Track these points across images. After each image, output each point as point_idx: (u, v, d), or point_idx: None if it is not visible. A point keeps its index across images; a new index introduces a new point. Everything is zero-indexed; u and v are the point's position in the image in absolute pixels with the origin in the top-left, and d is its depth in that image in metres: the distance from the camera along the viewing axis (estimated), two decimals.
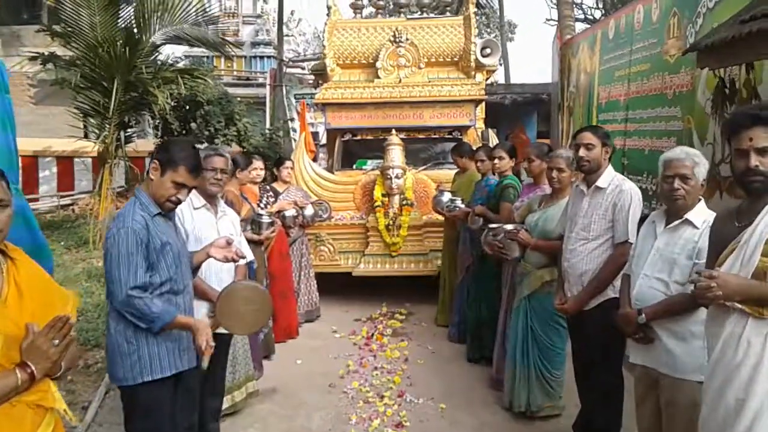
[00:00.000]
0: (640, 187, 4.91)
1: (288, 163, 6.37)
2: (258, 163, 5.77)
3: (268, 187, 6.10)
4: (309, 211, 6.36)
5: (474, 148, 5.95)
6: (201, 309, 3.26)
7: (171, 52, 12.32)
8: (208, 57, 21.05)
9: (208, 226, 3.42)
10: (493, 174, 5.44)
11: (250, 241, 5.18)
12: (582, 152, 3.51)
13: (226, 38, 21.05)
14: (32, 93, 16.73)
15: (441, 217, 6.50)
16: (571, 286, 3.60)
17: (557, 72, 11.54)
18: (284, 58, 15.96)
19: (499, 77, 17.84)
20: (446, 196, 6.13)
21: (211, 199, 3.53)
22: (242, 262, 3.38)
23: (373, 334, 6.13)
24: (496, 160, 5.12)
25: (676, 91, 6.70)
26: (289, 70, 18.72)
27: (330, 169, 8.20)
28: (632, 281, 3.00)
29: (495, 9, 26.71)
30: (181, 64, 12.60)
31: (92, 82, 9.89)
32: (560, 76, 11.13)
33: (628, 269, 3.10)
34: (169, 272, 2.71)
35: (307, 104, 15.34)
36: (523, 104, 15.44)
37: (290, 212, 6.03)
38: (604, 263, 3.45)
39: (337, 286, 7.33)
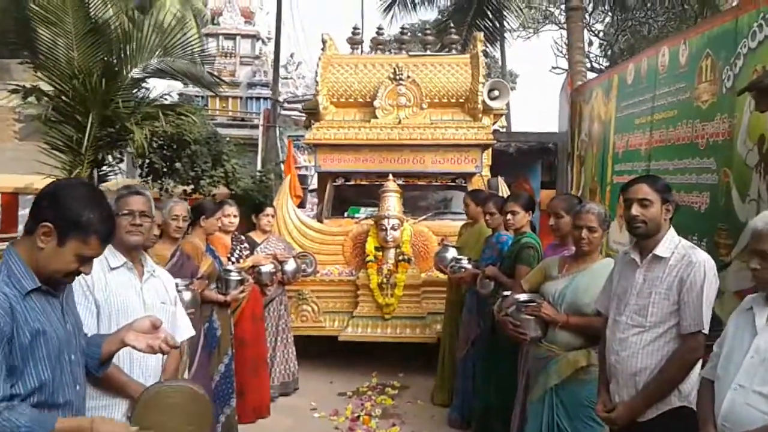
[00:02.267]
0: None
1: (269, 210, 5.53)
2: (231, 209, 4.96)
3: (242, 238, 5.25)
4: (290, 266, 5.52)
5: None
6: (117, 411, 2.35)
7: (166, 89, 11.68)
8: (202, 97, 20.50)
9: (128, 293, 2.49)
10: (507, 229, 4.60)
11: (214, 303, 4.35)
12: (636, 210, 2.67)
13: (221, 77, 20.66)
14: (17, 128, 16.10)
15: (443, 276, 5.65)
16: (619, 388, 2.71)
17: (566, 120, 10.94)
18: (279, 99, 15.35)
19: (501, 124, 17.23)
20: (450, 253, 5.30)
21: (131, 254, 2.62)
22: (179, 343, 2.46)
23: (359, 416, 5.18)
24: (509, 216, 4.29)
25: (710, 140, 5.94)
26: (284, 112, 18.14)
27: (319, 217, 7.45)
28: (717, 391, 2.14)
29: (497, 58, 26.39)
30: (169, 102, 11.88)
31: (65, 116, 9.11)
32: (570, 123, 10.49)
33: (710, 373, 2.23)
34: (41, 377, 1.81)
35: (296, 146, 14.72)
36: (528, 153, 14.78)
37: (267, 267, 5.18)
38: (667, 360, 2.58)
39: (321, 352, 6.49)
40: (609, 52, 17.96)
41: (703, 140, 6.03)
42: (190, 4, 24.52)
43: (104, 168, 10.25)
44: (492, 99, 7.90)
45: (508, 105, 9.22)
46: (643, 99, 7.35)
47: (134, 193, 2.67)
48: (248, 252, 5.17)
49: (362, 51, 8.58)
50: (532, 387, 3.45)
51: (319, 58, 7.52)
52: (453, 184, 7.31)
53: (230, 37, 21.37)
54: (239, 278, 4.55)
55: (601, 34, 18.18)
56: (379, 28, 8.27)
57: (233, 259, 4.98)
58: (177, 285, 3.74)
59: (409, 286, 6.12)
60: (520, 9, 16.92)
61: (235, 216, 5.01)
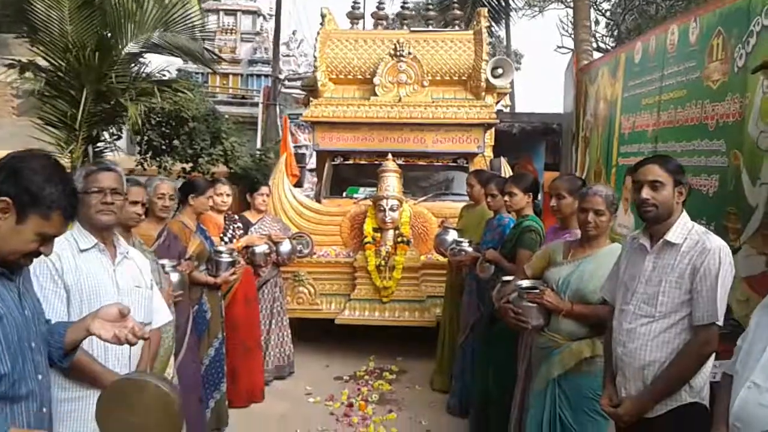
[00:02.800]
0: None
1: (263, 189, 5.35)
2: (223, 188, 4.80)
3: (236, 217, 5.08)
4: (285, 246, 5.35)
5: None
6: (89, 403, 2.18)
7: (165, 65, 11.45)
8: (202, 74, 20.20)
9: (100, 277, 2.31)
10: (508, 212, 4.43)
11: (203, 285, 4.19)
12: (646, 193, 2.49)
13: (221, 54, 20.34)
14: (15, 104, 15.90)
15: (443, 258, 5.49)
16: (626, 381, 2.55)
17: (571, 100, 10.71)
18: (279, 76, 15.08)
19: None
20: (450, 236, 5.14)
21: (103, 234, 2.43)
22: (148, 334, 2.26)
23: (355, 401, 5.04)
24: (507, 197, 4.11)
25: (720, 121, 5.73)
26: (285, 90, 17.86)
27: (317, 197, 7.27)
28: (734, 388, 1.98)
29: (501, 38, 26.00)
30: (166, 77, 11.64)
31: (60, 91, 8.90)
32: (576, 104, 10.26)
33: (731, 368, 2.06)
34: (0, 366, 1.66)
35: (297, 124, 14.45)
36: (532, 134, 14.54)
37: (261, 248, 5.02)
38: (678, 353, 2.41)
39: (317, 336, 6.35)
40: (615, 32, 17.63)
41: (712, 121, 5.82)
42: None
43: (99, 145, 10.07)
44: (495, 77, 7.68)
45: (511, 85, 8.98)
46: (651, 78, 7.12)
47: (104, 170, 2.47)
48: (242, 232, 5.01)
49: (363, 26, 8.34)
50: (533, 377, 3.29)
51: (318, 33, 7.30)
52: (454, 164, 7.14)
53: (231, 13, 21.00)
54: (230, 260, 4.38)
55: (608, 13, 17.84)
56: (380, 3, 8.03)
57: (226, 239, 4.81)
58: (164, 266, 3.61)
59: (407, 268, 5.95)
60: None
61: (228, 195, 4.84)
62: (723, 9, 5.19)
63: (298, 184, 8.00)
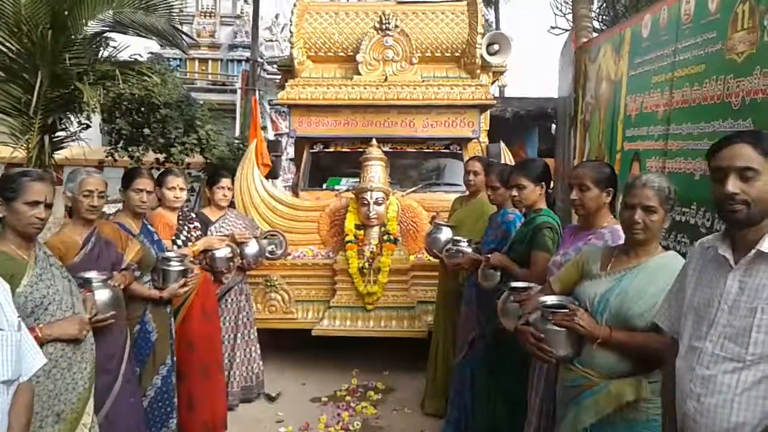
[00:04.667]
0: (690, 223, 3.54)
1: (224, 182, 4.57)
2: (175, 180, 4.04)
3: (192, 215, 4.30)
4: (251, 248, 4.58)
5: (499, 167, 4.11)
6: None
7: (137, 50, 10.70)
8: (180, 59, 19.28)
9: None
10: (516, 207, 3.70)
11: (147, 299, 3.44)
12: (733, 184, 1.76)
13: (200, 38, 19.46)
14: None
15: (436, 259, 4.75)
16: None
17: (566, 83, 10.03)
18: (259, 60, 14.25)
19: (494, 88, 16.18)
20: (445, 234, 4.40)
21: None
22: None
23: (334, 431, 4.30)
24: (515, 191, 3.36)
25: (746, 98, 5.03)
26: (267, 75, 17.04)
27: (295, 189, 6.56)
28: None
29: (490, 22, 25.25)
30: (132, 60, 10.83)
31: (12, 74, 8.09)
32: (574, 85, 9.57)
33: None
34: None
35: (277, 110, 13.73)
36: (525, 118, 13.89)
37: (222, 251, 4.25)
38: None
39: (292, 348, 5.62)
40: (611, 12, 16.85)
41: (737, 99, 5.10)
42: None
43: (60, 134, 9.29)
44: (491, 54, 6.97)
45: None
46: (661, 54, 6.38)
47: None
48: (199, 233, 4.23)
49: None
50: (558, 422, 2.56)
51: (295, 5, 6.53)
52: (447, 150, 6.47)
53: None
54: (180, 268, 3.63)
55: None
56: None
57: (179, 242, 4.03)
58: (91, 280, 2.86)
59: (395, 271, 5.20)
60: None
61: (181, 188, 4.07)
62: None
63: (273, 175, 7.21)
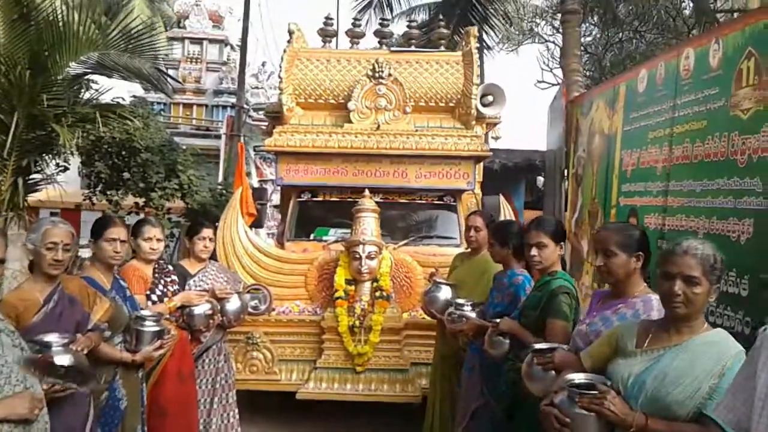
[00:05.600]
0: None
1: (205, 232, 4.24)
2: (152, 231, 3.71)
3: (169, 268, 3.96)
4: (233, 304, 4.24)
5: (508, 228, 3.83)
6: None
7: (119, 93, 10.56)
8: (165, 104, 19.11)
9: None
10: (528, 269, 3.43)
11: (118, 363, 3.08)
12: None
13: (186, 83, 19.32)
14: None
15: (433, 319, 4.44)
16: None
17: (555, 136, 9.95)
18: (244, 106, 14.09)
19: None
20: (444, 293, 4.11)
21: None
22: None
23: None
24: (534, 251, 3.07)
25: (753, 156, 4.87)
26: (252, 122, 16.88)
27: (280, 238, 6.30)
28: None
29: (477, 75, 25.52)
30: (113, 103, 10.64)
31: None
32: (566, 138, 9.48)
33: None
34: None
35: (263, 157, 13.51)
36: (513, 170, 13.81)
37: (201, 308, 3.91)
38: None
39: (274, 413, 5.20)
40: (596, 67, 17.07)
41: (743, 156, 4.95)
42: (159, 11, 23.23)
43: (36, 176, 8.97)
44: (485, 105, 6.84)
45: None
46: (659, 109, 6.26)
47: None
48: (177, 288, 3.89)
49: (336, 45, 7.40)
50: None
51: (284, 51, 6.34)
52: (440, 202, 6.24)
53: (196, 41, 19.93)
54: (156, 329, 3.28)
55: (591, 47, 17.30)
56: (356, 19, 7.10)
57: (154, 297, 3.69)
58: (50, 345, 2.52)
59: (387, 330, 4.90)
60: (508, 18, 15.90)
61: (158, 239, 3.75)
62: (755, 26, 4.30)
63: (258, 224, 6.92)
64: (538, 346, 2.68)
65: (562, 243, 3.13)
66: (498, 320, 3.22)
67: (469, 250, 4.46)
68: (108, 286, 3.28)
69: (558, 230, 3.14)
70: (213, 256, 4.67)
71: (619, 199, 6.40)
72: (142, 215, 11.72)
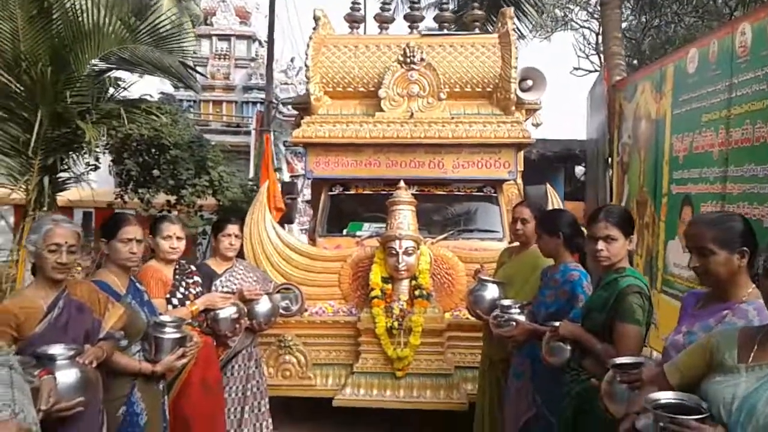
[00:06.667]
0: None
1: (231, 228, 3.96)
2: (171, 228, 3.44)
3: (192, 268, 3.67)
4: (263, 306, 3.95)
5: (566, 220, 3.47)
6: None
7: (147, 90, 10.48)
8: (195, 102, 19.04)
9: None
10: (581, 262, 3.05)
11: (137, 374, 2.80)
12: None
13: (215, 80, 19.22)
14: None
15: (478, 320, 4.10)
16: None
17: (595, 124, 9.54)
18: (273, 100, 13.89)
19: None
20: (491, 292, 3.75)
21: None
22: None
23: None
24: (600, 245, 2.68)
25: None
26: (282, 118, 16.69)
27: (311, 235, 6.07)
28: None
29: None
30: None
31: (10, 113, 7.70)
32: (609, 125, 9.04)
33: None
34: None
35: (293, 152, 13.31)
36: (552, 160, 13.41)
37: (226, 311, 3.62)
38: None
39: (309, 420, 4.93)
40: (635, 53, 16.54)
41: None
42: (187, 9, 23.20)
43: (62, 175, 8.86)
44: (524, 90, 6.47)
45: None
46: (713, 90, 5.81)
47: None
48: (200, 290, 3.60)
49: (364, 31, 7.08)
50: None
51: (310, 38, 6.04)
52: (480, 193, 5.91)
53: (224, 38, 19.79)
54: (177, 336, 2.99)
55: (629, 33, 16.79)
56: (384, 2, 6.74)
57: (175, 301, 3.41)
58: (54, 358, 2.23)
59: (429, 331, 4.57)
60: (542, 3, 15.41)
61: (179, 237, 3.46)
62: None
63: (288, 220, 6.64)
64: (619, 360, 2.31)
65: (631, 236, 2.74)
66: (556, 323, 2.85)
67: (516, 244, 4.10)
68: (123, 290, 3.00)
69: (628, 222, 2.75)
70: (240, 255, 4.40)
71: (671, 186, 6.03)
72: (174, 213, 11.72)
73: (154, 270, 3.40)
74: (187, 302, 3.48)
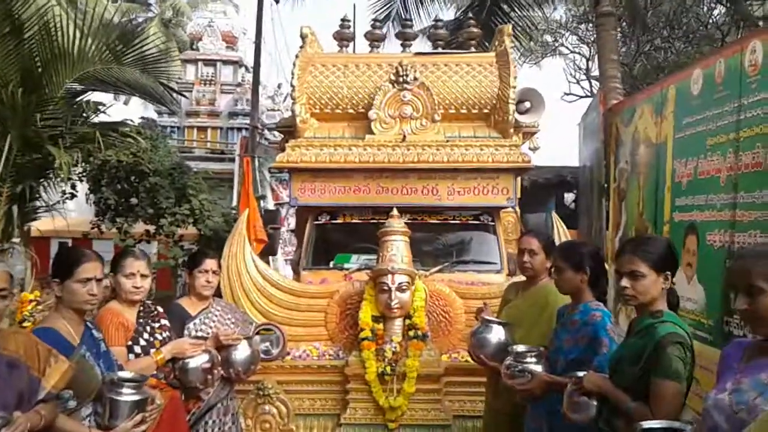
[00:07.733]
0: None
1: (208, 263, 3.55)
2: (136, 264, 3.00)
3: (158, 310, 3.24)
4: (242, 352, 3.52)
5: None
6: None
7: (133, 115, 10.21)
8: (179, 128, 18.71)
9: None
10: (601, 299, 2.66)
11: None
12: None
13: (200, 105, 18.94)
14: None
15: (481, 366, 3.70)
16: None
17: (587, 151, 9.34)
18: (258, 125, 13.56)
19: None
20: (496, 334, 3.34)
21: None
22: None
23: None
24: (626, 281, 2.31)
25: None
26: (266, 143, 16.37)
27: (295, 266, 5.69)
28: None
29: None
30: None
31: None
32: (605, 150, 8.78)
33: None
34: None
35: (277, 178, 12.95)
36: (544, 186, 13.18)
37: (197, 360, 3.18)
38: None
39: None
40: (626, 78, 16.51)
41: None
42: (174, 36, 23.01)
43: (36, 203, 8.45)
44: (521, 113, 6.17)
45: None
46: (721, 111, 5.50)
47: None
48: (167, 335, 3.16)
49: (354, 50, 6.77)
50: None
51: (297, 56, 5.72)
52: (477, 221, 5.57)
53: (210, 63, 19.55)
54: (135, 398, 2.55)
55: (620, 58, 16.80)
56: (375, 20, 6.45)
57: (138, 349, 2.97)
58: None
59: (425, 377, 4.17)
60: (535, 27, 15.30)
61: (143, 275, 3.04)
62: None
63: (270, 252, 6.25)
64: (648, 424, 1.91)
65: (668, 273, 2.35)
66: (580, 373, 2.45)
67: (521, 278, 3.71)
68: (77, 339, 2.57)
69: (661, 256, 2.37)
70: (218, 293, 3.98)
71: (673, 214, 5.67)
72: (153, 243, 11.27)
73: (113, 313, 2.97)
74: (152, 350, 3.04)
